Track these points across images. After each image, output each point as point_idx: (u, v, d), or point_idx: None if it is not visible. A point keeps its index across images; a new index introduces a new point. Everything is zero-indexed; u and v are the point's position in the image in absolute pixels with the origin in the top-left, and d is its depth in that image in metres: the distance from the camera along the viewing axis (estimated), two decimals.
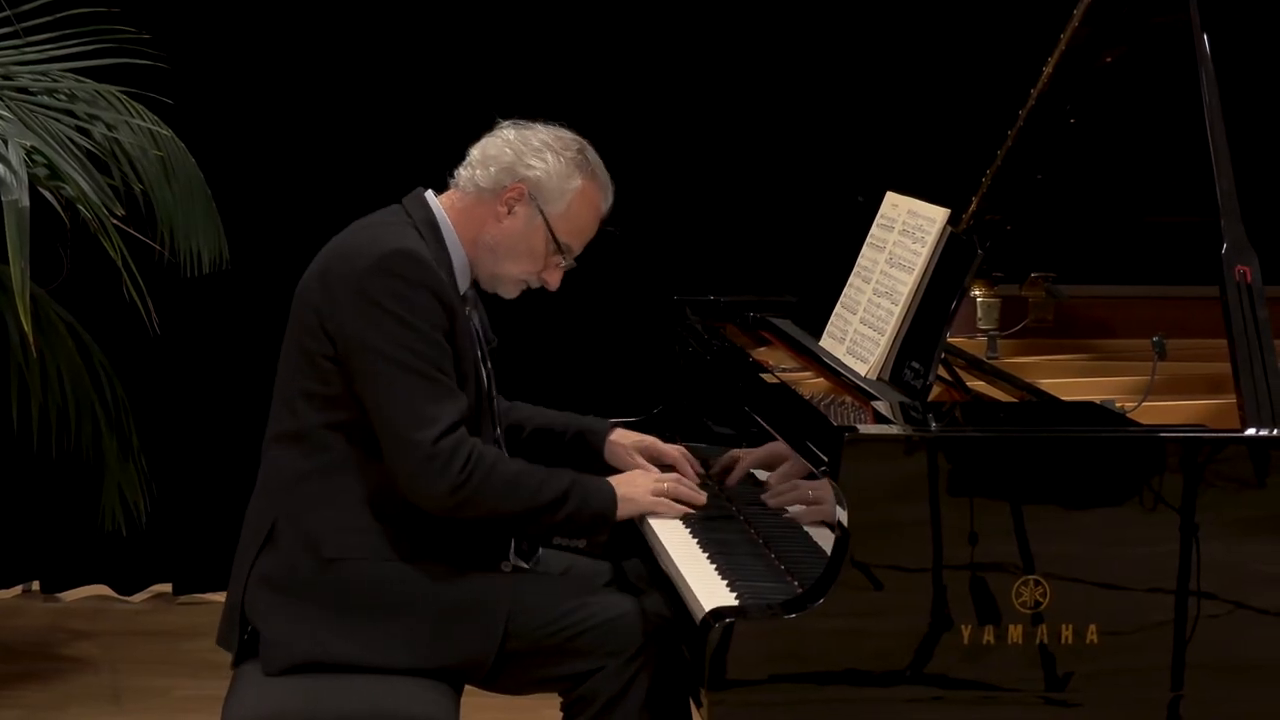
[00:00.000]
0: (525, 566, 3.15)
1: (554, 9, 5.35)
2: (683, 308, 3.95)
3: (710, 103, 5.39)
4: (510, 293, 3.14)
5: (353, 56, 5.31)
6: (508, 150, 3.05)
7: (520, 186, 3.04)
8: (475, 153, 3.10)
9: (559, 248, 3.08)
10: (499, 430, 3.21)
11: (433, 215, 3.06)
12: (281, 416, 3.05)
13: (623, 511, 3.09)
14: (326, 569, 2.96)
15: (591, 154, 3.11)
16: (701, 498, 3.19)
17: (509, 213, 3.05)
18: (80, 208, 4.23)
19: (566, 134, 3.11)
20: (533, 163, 3.04)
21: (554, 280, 3.13)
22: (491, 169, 3.05)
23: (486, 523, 3.00)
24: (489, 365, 3.18)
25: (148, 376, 5.29)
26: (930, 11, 5.36)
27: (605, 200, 3.12)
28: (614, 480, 3.13)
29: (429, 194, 3.10)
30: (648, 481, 3.17)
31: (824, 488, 2.84)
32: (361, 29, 5.32)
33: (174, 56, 4.86)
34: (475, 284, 3.14)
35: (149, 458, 4.99)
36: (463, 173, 3.09)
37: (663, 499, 3.14)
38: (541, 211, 3.05)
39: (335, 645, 2.94)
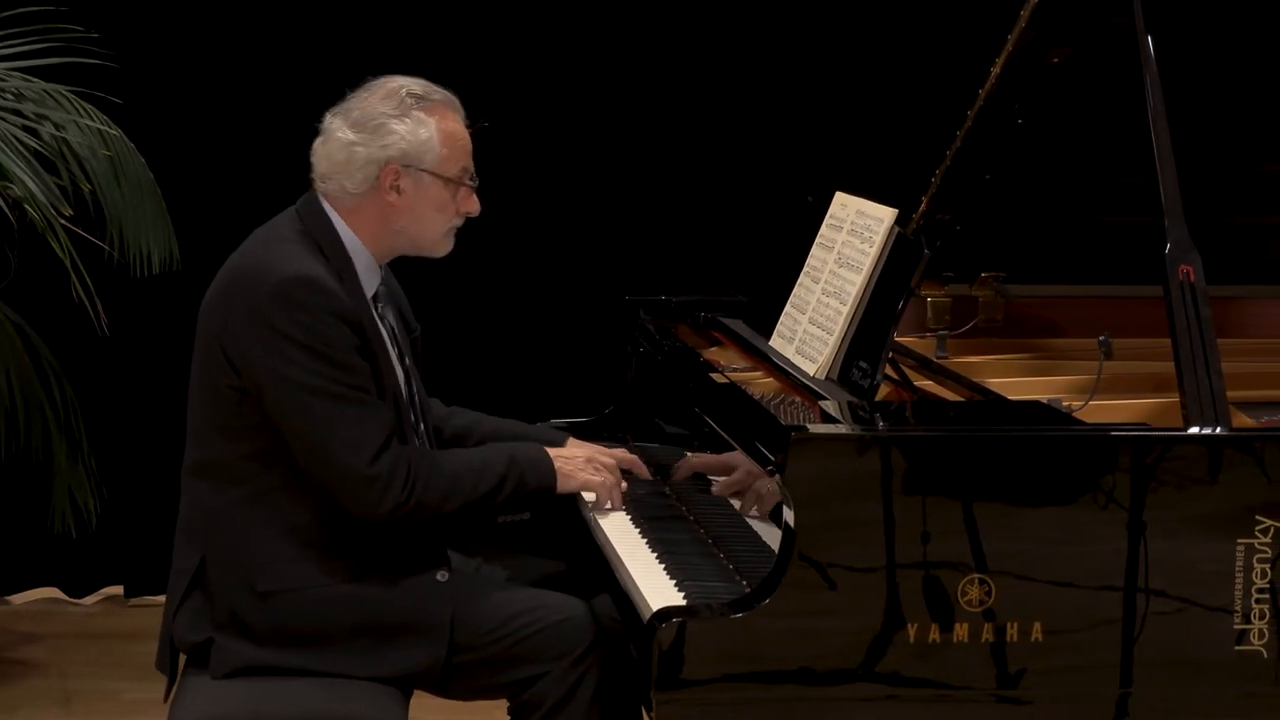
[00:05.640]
0: (460, 570, 3.12)
1: (502, 12, 5.34)
2: (635, 308, 3.95)
3: (661, 103, 5.38)
4: (445, 247, 3.08)
5: (302, 55, 5.28)
6: (355, 147, 2.97)
7: (390, 167, 2.97)
8: (321, 164, 3.02)
9: (458, 182, 3.03)
10: (423, 425, 3.16)
11: (330, 224, 2.99)
12: (195, 447, 3.01)
13: (562, 486, 3.10)
14: (264, 603, 2.92)
15: (417, 86, 3.03)
16: (619, 501, 3.19)
17: (398, 194, 2.99)
18: (28, 208, 4.21)
19: (384, 87, 3.03)
20: (385, 141, 2.97)
21: (473, 206, 3.07)
22: (354, 172, 2.98)
23: (427, 523, 2.99)
24: (408, 362, 3.14)
25: (97, 377, 5.26)
26: (880, 13, 5.38)
27: (458, 112, 3.06)
28: (552, 453, 3.12)
29: (324, 201, 3.02)
30: (585, 454, 3.18)
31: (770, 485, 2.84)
32: (311, 28, 5.30)
33: (123, 56, 4.84)
34: (383, 282, 3.09)
35: (99, 459, 4.97)
36: (326, 186, 3.01)
37: (600, 482, 3.15)
38: (422, 170, 2.99)
39: (281, 662, 2.93)
